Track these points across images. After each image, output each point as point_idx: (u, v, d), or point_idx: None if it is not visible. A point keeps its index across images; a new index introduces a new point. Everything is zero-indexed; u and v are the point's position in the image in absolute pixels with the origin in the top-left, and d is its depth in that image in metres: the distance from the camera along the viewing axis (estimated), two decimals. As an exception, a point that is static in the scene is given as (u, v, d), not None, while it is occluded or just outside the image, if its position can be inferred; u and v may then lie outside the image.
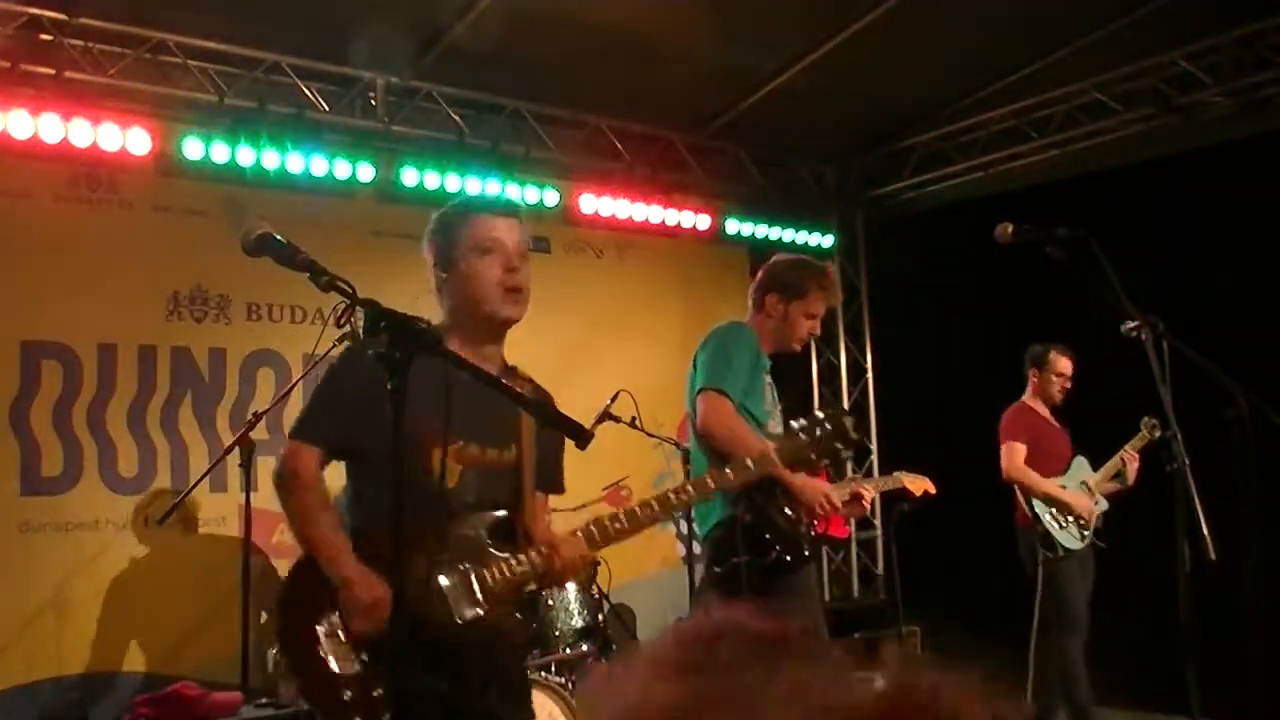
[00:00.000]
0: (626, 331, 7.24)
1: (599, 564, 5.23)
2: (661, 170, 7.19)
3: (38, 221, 5.38)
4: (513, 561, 2.57)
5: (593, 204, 6.95)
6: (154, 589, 5.48)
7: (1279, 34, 5.89)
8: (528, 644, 2.86)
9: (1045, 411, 5.59)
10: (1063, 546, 5.30)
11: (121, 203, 5.65)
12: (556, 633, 4.72)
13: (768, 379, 4.00)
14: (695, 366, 4.02)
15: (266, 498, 5.83)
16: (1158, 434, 5.09)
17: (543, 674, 4.46)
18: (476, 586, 2.52)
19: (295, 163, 5.85)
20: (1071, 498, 5.36)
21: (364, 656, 2.44)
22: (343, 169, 6.00)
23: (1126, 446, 5.45)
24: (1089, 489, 5.44)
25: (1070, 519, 5.35)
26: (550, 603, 4.76)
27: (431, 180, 6.32)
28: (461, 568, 2.53)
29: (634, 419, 5.06)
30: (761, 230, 7.76)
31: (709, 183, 7.46)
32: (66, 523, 5.35)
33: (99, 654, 5.34)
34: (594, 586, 5.11)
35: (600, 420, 4.93)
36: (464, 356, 2.51)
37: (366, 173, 6.09)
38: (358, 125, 6.13)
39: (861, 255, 8.36)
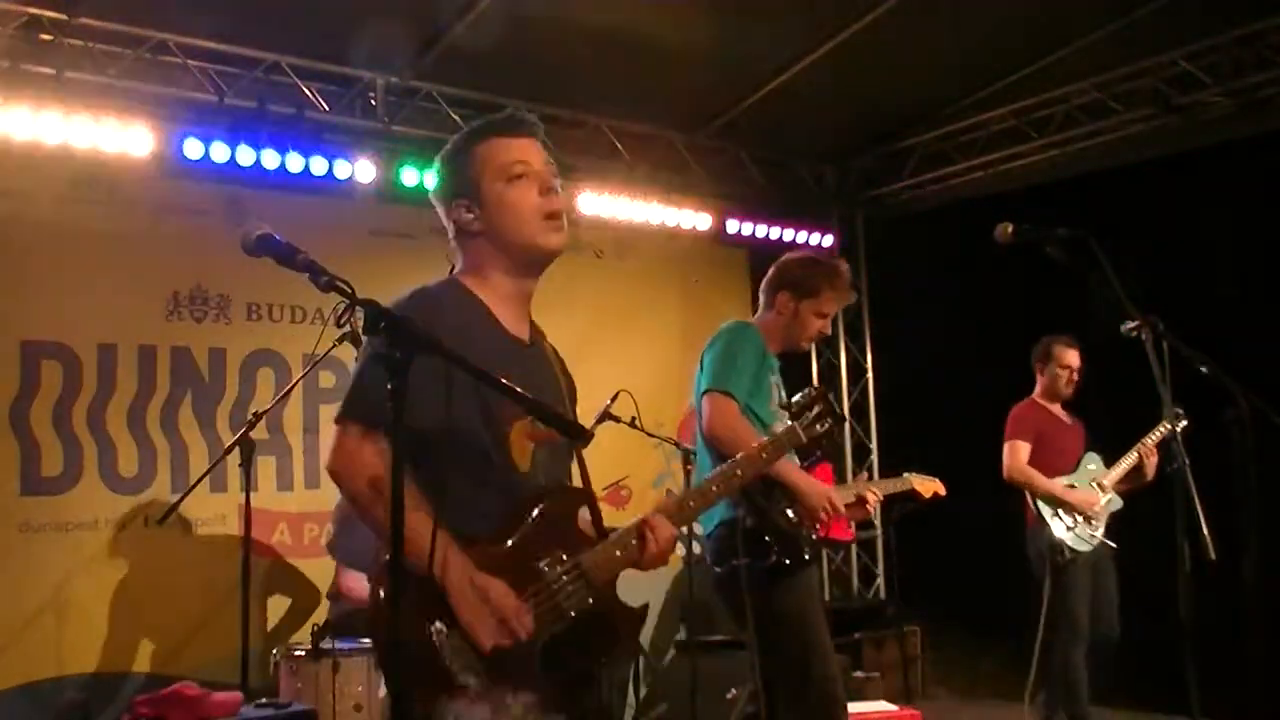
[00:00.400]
0: (626, 331, 7.24)
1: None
2: (661, 170, 7.19)
3: (38, 221, 5.38)
4: (611, 546, 2.35)
5: (593, 204, 6.95)
6: (154, 589, 5.48)
7: (1279, 34, 5.89)
8: (637, 628, 2.48)
9: (1055, 408, 5.51)
10: (1069, 549, 5.23)
11: (121, 203, 5.65)
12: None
13: (775, 379, 3.95)
14: (702, 366, 3.98)
15: (266, 498, 5.84)
16: (1180, 425, 5.00)
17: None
18: (580, 574, 2.27)
19: (295, 163, 5.84)
20: (1076, 497, 5.25)
21: (487, 662, 2.15)
22: (343, 169, 6.00)
23: (1145, 439, 5.28)
24: (1100, 487, 5.31)
25: (1079, 519, 5.25)
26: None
27: (431, 180, 6.31)
28: (562, 556, 2.27)
29: (634, 419, 5.06)
30: (761, 230, 7.76)
31: (709, 183, 7.46)
32: (66, 523, 5.35)
33: (99, 654, 5.34)
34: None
35: (600, 420, 4.93)
36: (500, 299, 2.36)
37: (366, 173, 6.09)
38: (358, 125, 6.13)
39: (861, 255, 8.36)
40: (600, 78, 6.34)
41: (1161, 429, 5.18)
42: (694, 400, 3.94)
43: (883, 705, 5.58)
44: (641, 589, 7.76)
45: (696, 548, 4.93)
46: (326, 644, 4.49)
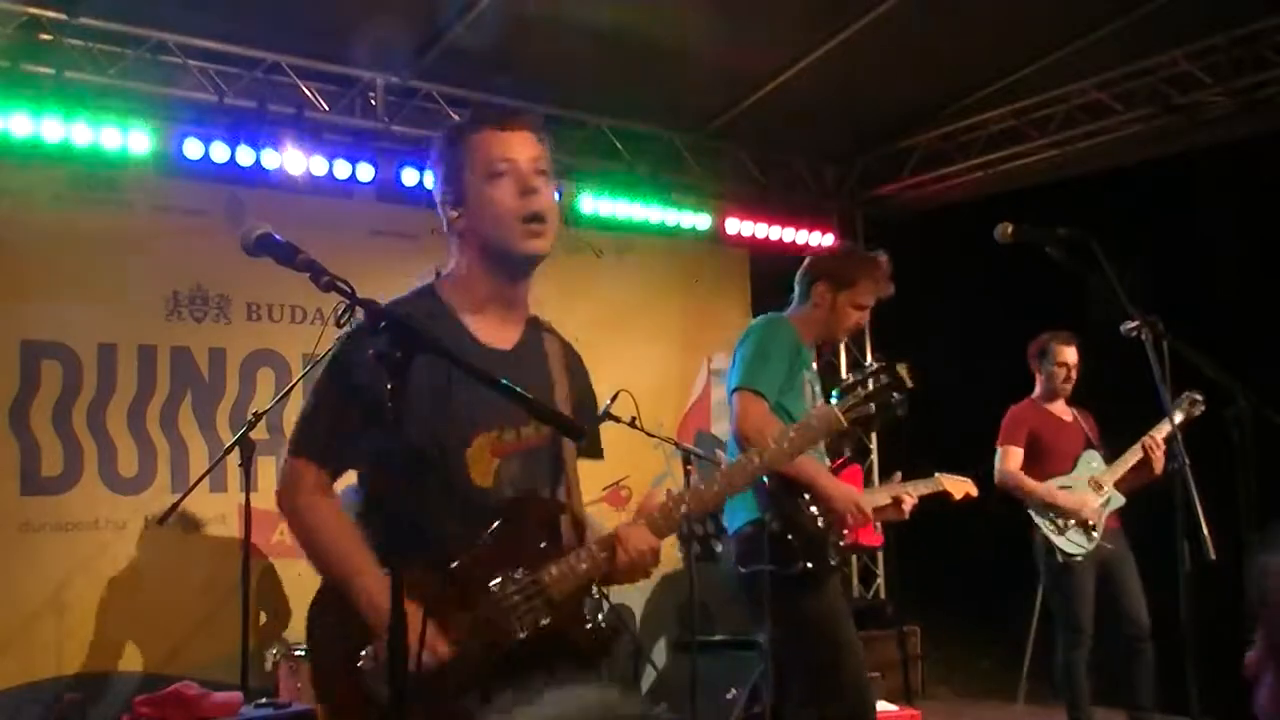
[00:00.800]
0: (626, 331, 7.24)
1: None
2: (661, 170, 7.19)
3: (38, 221, 5.38)
4: (574, 559, 2.23)
5: (593, 204, 6.95)
6: (154, 589, 5.48)
7: (1279, 34, 5.89)
8: (605, 647, 2.36)
9: (1054, 406, 5.45)
10: (1062, 552, 5.21)
11: (121, 203, 5.65)
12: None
13: (809, 375, 3.86)
14: (734, 362, 3.89)
15: (266, 498, 5.84)
16: (1198, 411, 4.88)
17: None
18: (535, 592, 2.19)
19: (295, 163, 5.84)
20: (1068, 500, 5.20)
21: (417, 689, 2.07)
22: (343, 169, 5.99)
23: (1151, 432, 5.17)
24: (1097, 486, 5.26)
25: (1071, 523, 5.21)
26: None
27: (432, 180, 6.31)
28: (515, 574, 2.19)
29: (634, 419, 5.05)
30: (761, 230, 7.75)
31: (709, 183, 7.46)
32: (66, 523, 5.35)
33: (99, 654, 5.34)
34: (594, 587, 5.10)
35: (600, 420, 4.91)
36: (479, 304, 2.28)
37: (366, 173, 6.09)
38: (358, 125, 6.13)
39: (861, 255, 8.36)
40: (600, 78, 6.33)
41: (1167, 424, 4.91)
42: (727, 397, 3.87)
43: (883, 705, 5.57)
44: (641, 588, 7.75)
45: (697, 548, 4.93)
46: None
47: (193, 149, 5.56)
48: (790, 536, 3.61)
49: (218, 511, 5.69)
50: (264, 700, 4.55)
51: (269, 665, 4.90)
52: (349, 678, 2.11)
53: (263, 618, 5.70)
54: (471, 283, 2.32)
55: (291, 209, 5.87)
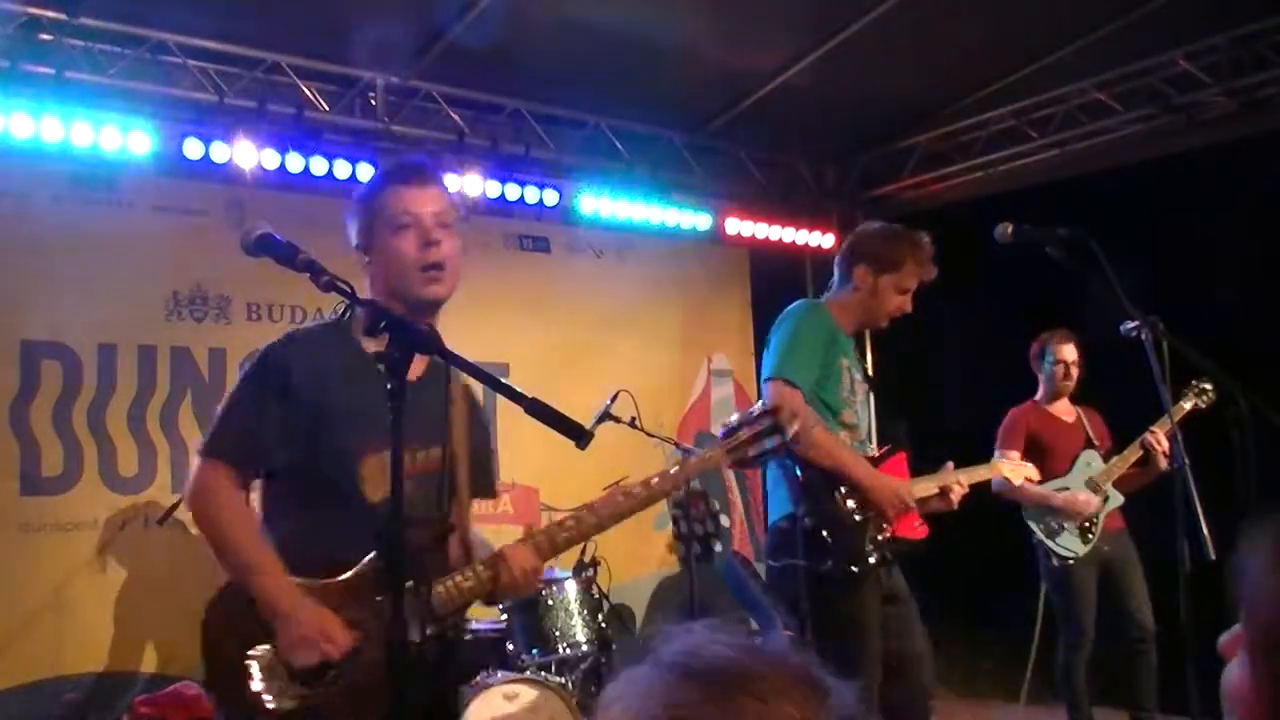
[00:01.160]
0: (626, 331, 7.24)
1: (598, 565, 5.23)
2: (661, 170, 7.19)
3: (38, 221, 5.38)
4: (459, 577, 2.40)
5: (593, 204, 6.95)
6: (154, 589, 5.48)
7: (1279, 34, 5.89)
8: (465, 669, 2.67)
9: (1055, 406, 5.43)
10: (1057, 555, 5.19)
11: (121, 203, 5.64)
12: (557, 632, 4.72)
13: (847, 362, 3.72)
14: (768, 347, 3.78)
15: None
16: (1205, 401, 4.83)
17: (543, 674, 4.46)
18: (422, 604, 2.29)
19: (295, 163, 5.84)
20: (1064, 501, 5.18)
21: (305, 688, 2.27)
22: (343, 169, 5.99)
23: (1153, 427, 5.09)
24: (1095, 486, 5.23)
25: (1066, 525, 5.19)
26: (550, 602, 4.76)
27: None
28: (408, 585, 2.30)
29: (634, 419, 5.06)
30: (761, 230, 7.76)
31: (709, 183, 7.46)
32: (66, 523, 5.35)
33: (99, 654, 5.34)
34: (594, 586, 5.11)
35: (600, 420, 4.92)
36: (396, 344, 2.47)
37: (366, 173, 6.08)
38: (358, 125, 6.13)
39: (861, 255, 8.36)
40: (600, 78, 6.33)
41: (1178, 409, 4.82)
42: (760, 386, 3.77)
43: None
44: (642, 587, 7.78)
45: (697, 548, 4.92)
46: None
47: (193, 149, 5.56)
48: (824, 532, 3.48)
49: (218, 511, 5.69)
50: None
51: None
52: (244, 675, 2.25)
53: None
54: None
55: (291, 209, 5.87)
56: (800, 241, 7.95)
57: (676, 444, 5.64)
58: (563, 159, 6.83)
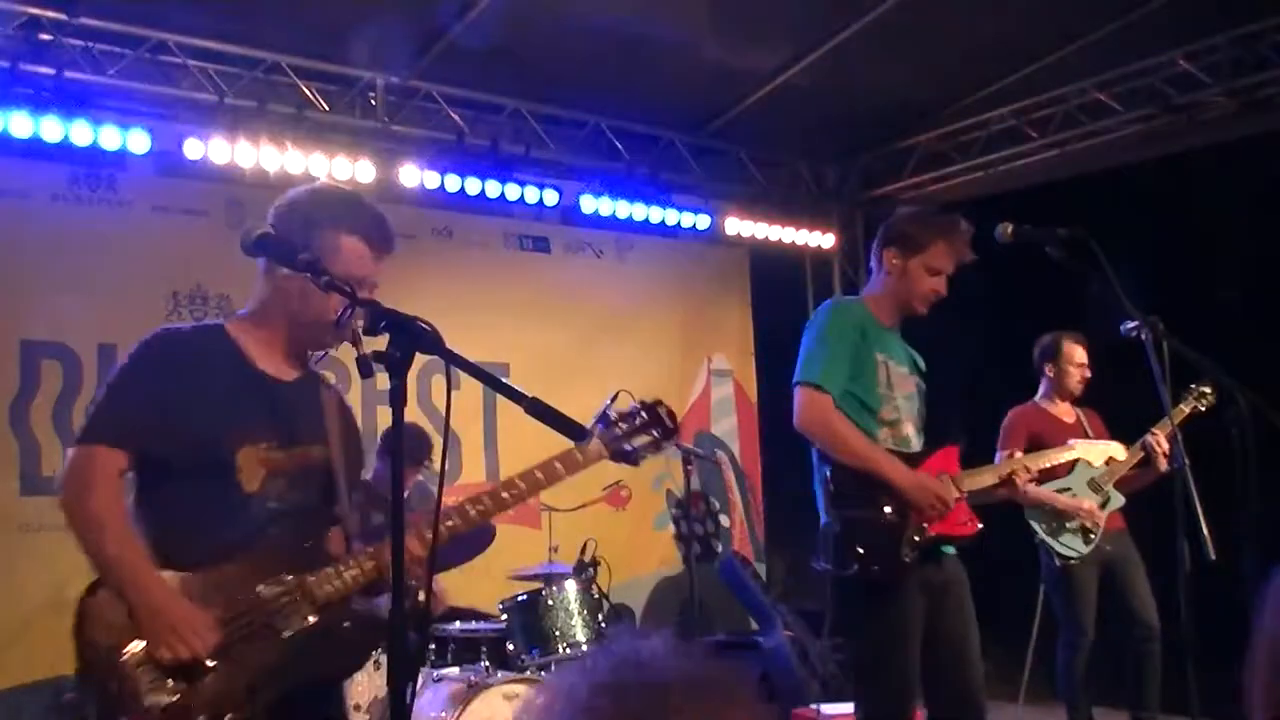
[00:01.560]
0: (626, 331, 7.24)
1: (598, 565, 5.23)
2: (661, 170, 7.19)
3: (38, 221, 5.38)
4: (341, 566, 2.36)
5: (593, 204, 6.95)
6: (154, 589, 5.48)
7: (1279, 34, 5.89)
8: (365, 648, 2.58)
9: (1057, 407, 5.39)
10: (1058, 555, 5.19)
11: (121, 203, 5.65)
12: (557, 632, 4.73)
13: (882, 356, 3.56)
14: (799, 355, 3.67)
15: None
16: (1205, 405, 4.78)
17: (543, 674, 4.46)
18: (301, 596, 2.32)
19: (295, 162, 5.84)
20: (1067, 503, 5.14)
21: (180, 683, 2.23)
22: (343, 169, 5.99)
23: (1154, 428, 5.00)
24: (1096, 487, 5.19)
25: (1067, 525, 5.16)
26: (550, 602, 4.76)
27: (431, 180, 6.32)
28: (283, 577, 2.33)
29: (634, 419, 5.05)
30: (761, 230, 7.76)
31: (709, 183, 7.47)
32: (66, 523, 5.34)
33: (99, 654, 5.33)
34: (594, 586, 5.11)
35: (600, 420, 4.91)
36: (268, 343, 2.47)
37: (366, 173, 6.09)
38: (358, 125, 6.13)
39: (861, 255, 8.35)
40: (600, 78, 6.34)
41: (1178, 412, 4.76)
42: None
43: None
44: (642, 587, 7.74)
45: (697, 548, 4.92)
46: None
47: (193, 149, 5.56)
48: (851, 537, 3.39)
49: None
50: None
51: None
52: (116, 671, 2.24)
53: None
54: (267, 327, 2.49)
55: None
56: (800, 241, 7.95)
57: (677, 444, 5.63)
58: (563, 159, 6.83)
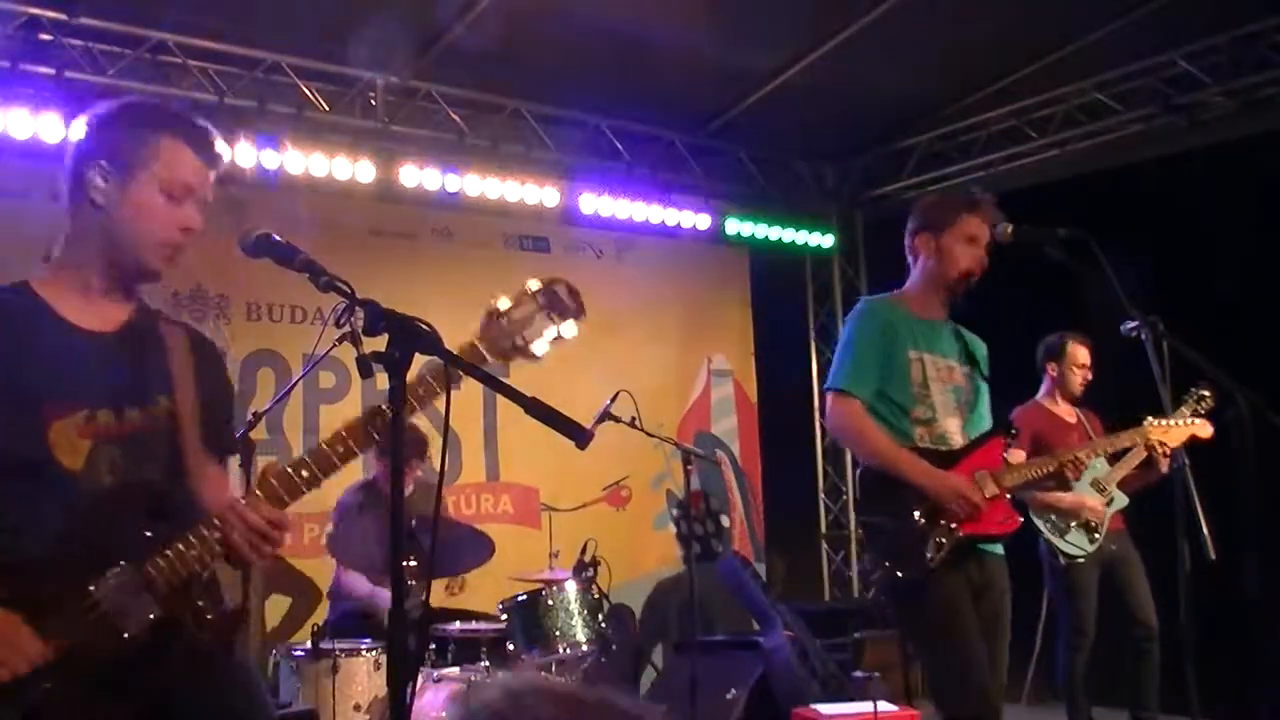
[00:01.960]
0: (626, 331, 7.24)
1: (598, 565, 5.23)
2: (661, 170, 7.19)
3: (38, 221, 5.36)
4: (180, 545, 2.05)
5: (593, 204, 6.95)
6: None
7: (1279, 34, 5.89)
8: (229, 630, 2.21)
9: (1060, 407, 5.39)
10: (1064, 554, 5.19)
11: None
12: (557, 632, 4.72)
13: (915, 353, 3.48)
14: None
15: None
16: (1205, 408, 4.82)
17: (543, 674, 4.46)
18: (139, 586, 2.03)
19: (295, 162, 5.84)
20: (1070, 502, 5.12)
21: (12, 714, 1.95)
22: (343, 169, 6.00)
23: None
24: (1101, 487, 5.20)
25: (1073, 524, 5.17)
26: (550, 602, 4.76)
27: (431, 180, 6.32)
28: (116, 568, 2.03)
29: (634, 419, 5.06)
30: (761, 230, 7.76)
31: (709, 183, 7.47)
32: None
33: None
34: (594, 586, 5.11)
35: (600, 420, 4.92)
36: (80, 291, 2.20)
37: (366, 173, 6.09)
38: (358, 125, 6.13)
39: (861, 255, 8.37)
40: (600, 78, 6.34)
41: (1179, 415, 4.90)
42: None
43: (883, 705, 5.57)
44: (642, 587, 7.71)
45: (697, 548, 4.92)
46: (326, 644, 4.49)
47: (193, 149, 5.55)
48: (874, 542, 3.38)
49: (217, 511, 5.68)
50: (264, 700, 4.54)
51: (269, 666, 4.91)
52: None
53: (263, 618, 5.70)
54: (79, 270, 2.24)
55: (291, 209, 5.87)
56: (800, 241, 7.95)
57: (676, 444, 5.64)
58: (563, 159, 6.83)
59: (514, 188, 6.59)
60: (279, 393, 5.35)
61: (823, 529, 8.21)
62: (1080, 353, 5.37)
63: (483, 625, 4.97)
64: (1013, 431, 3.67)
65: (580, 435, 2.15)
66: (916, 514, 3.33)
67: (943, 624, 3.32)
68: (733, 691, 5.49)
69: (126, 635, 2.01)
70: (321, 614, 5.43)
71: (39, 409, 2.08)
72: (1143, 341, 3.35)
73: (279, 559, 5.82)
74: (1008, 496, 3.45)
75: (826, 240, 8.12)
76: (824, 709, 4.98)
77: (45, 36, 5.23)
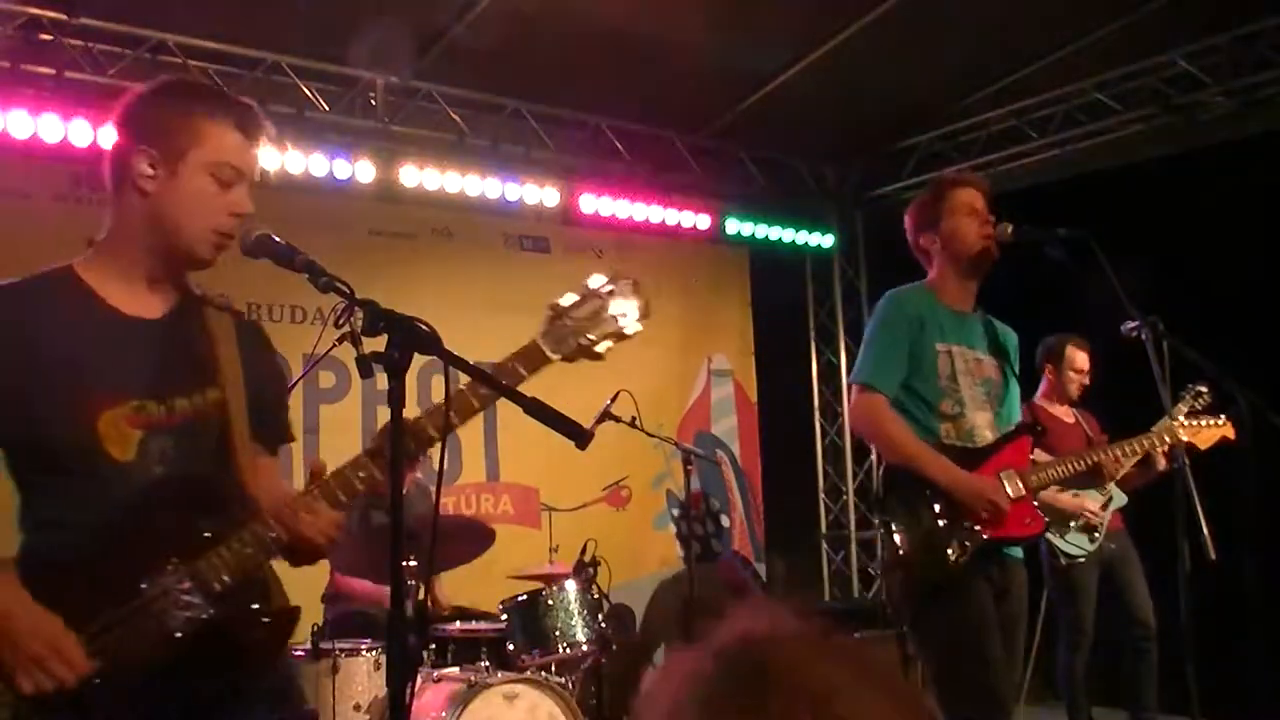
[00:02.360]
0: (626, 331, 7.24)
1: (598, 565, 5.22)
2: (661, 170, 7.19)
3: (38, 221, 5.38)
4: (234, 543, 2.00)
5: (593, 204, 6.95)
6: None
7: (1279, 34, 5.89)
8: (281, 630, 2.13)
9: (1058, 409, 5.41)
10: (1064, 554, 5.19)
11: (121, 203, 5.64)
12: (557, 632, 4.72)
13: (943, 345, 3.38)
14: None
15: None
16: (1202, 405, 4.79)
17: (543, 674, 4.46)
18: (190, 584, 1.97)
19: (295, 162, 5.84)
20: (1065, 502, 5.10)
21: (58, 717, 1.89)
22: (343, 169, 5.99)
23: (1153, 430, 5.09)
24: (1099, 487, 5.13)
25: (1072, 524, 5.16)
26: (550, 602, 4.76)
27: (431, 180, 6.32)
28: (170, 564, 1.97)
29: (634, 419, 5.06)
30: (761, 230, 7.76)
31: (709, 183, 7.46)
32: None
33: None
34: (594, 586, 5.11)
35: (600, 420, 4.92)
36: (125, 277, 2.15)
37: (366, 173, 6.09)
38: (358, 125, 6.13)
39: (861, 255, 8.36)
40: (600, 78, 6.33)
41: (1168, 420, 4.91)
42: None
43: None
44: (642, 588, 7.73)
45: (697, 548, 4.92)
46: (326, 644, 4.48)
47: (193, 149, 5.56)
48: (891, 541, 3.29)
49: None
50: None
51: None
52: None
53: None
54: (123, 255, 2.18)
55: (291, 209, 5.87)
56: (800, 241, 7.95)
57: (677, 444, 5.64)
58: (563, 159, 6.82)
59: (514, 188, 6.59)
60: (279, 393, 5.34)
61: (823, 529, 8.21)
62: (1078, 357, 5.37)
63: (483, 625, 4.97)
64: (1039, 429, 3.61)
65: (580, 435, 2.14)
66: (939, 514, 3.24)
67: (969, 628, 3.22)
68: (733, 691, 5.47)
69: (178, 636, 1.95)
70: (321, 614, 5.43)
71: (88, 399, 2.02)
72: (1143, 341, 3.35)
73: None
74: (1034, 500, 3.37)
75: (826, 240, 8.12)
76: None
77: (45, 36, 5.23)
